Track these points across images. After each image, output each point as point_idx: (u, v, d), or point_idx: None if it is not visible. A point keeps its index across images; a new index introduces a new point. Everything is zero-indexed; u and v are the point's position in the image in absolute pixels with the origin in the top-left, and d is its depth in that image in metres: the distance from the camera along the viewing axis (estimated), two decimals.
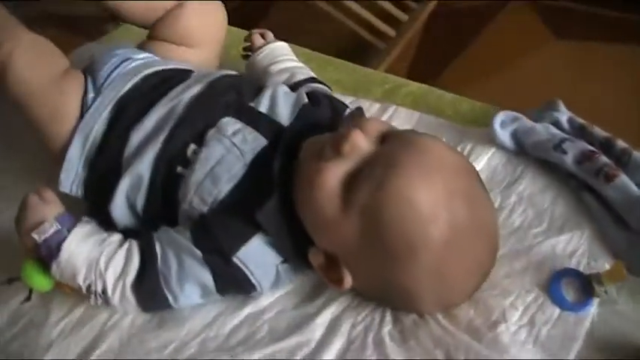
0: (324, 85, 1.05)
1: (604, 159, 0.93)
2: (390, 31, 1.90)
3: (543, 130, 0.99)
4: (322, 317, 0.85)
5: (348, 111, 0.94)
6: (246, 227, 0.81)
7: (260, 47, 1.10)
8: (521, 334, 0.80)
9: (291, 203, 0.82)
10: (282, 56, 1.09)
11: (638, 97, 1.79)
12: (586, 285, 0.83)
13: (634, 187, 0.89)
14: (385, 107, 1.10)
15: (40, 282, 0.84)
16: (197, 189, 0.83)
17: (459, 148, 1.02)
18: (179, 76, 0.98)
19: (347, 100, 1.09)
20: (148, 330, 0.86)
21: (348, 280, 0.80)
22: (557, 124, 1.01)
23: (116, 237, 0.85)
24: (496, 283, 0.85)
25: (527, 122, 1.00)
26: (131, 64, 1.01)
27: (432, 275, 0.77)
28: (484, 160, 1.00)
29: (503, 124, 1.01)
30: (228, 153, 0.85)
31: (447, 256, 0.76)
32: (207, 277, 0.82)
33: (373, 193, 0.75)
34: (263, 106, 0.91)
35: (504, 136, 1.00)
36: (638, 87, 1.82)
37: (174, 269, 0.82)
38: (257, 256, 0.82)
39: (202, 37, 1.08)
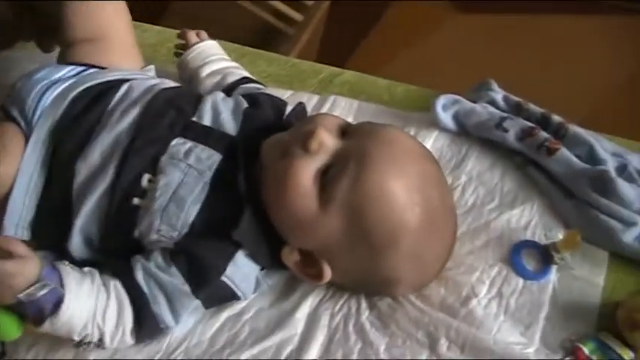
0: (258, 83, 1.05)
1: (544, 134, 0.99)
2: (297, 16, 1.91)
3: (483, 110, 1.04)
4: (300, 312, 0.87)
5: (289, 109, 0.95)
6: (227, 246, 0.81)
7: (192, 45, 1.09)
8: (492, 306, 0.85)
9: (262, 212, 0.83)
10: (212, 56, 1.07)
11: (544, 65, 1.89)
12: (544, 254, 0.89)
13: (575, 159, 0.96)
14: (324, 98, 1.12)
15: (11, 332, 0.79)
16: (162, 216, 0.82)
17: None
18: (109, 92, 0.93)
19: (285, 94, 1.10)
20: (129, 346, 0.85)
21: (328, 274, 0.83)
22: (493, 103, 1.06)
23: (98, 279, 0.82)
24: (460, 262, 0.90)
25: (467, 104, 1.05)
26: (58, 87, 0.94)
27: (410, 259, 0.81)
28: (430, 143, 1.04)
29: (445, 108, 1.05)
30: (187, 175, 0.84)
31: (423, 239, 0.80)
32: (198, 304, 0.83)
33: (351, 188, 0.78)
34: (206, 119, 0.90)
35: (447, 119, 1.04)
36: (542, 55, 1.92)
37: (164, 307, 0.81)
38: (242, 270, 0.83)
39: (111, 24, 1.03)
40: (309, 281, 0.86)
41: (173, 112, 0.90)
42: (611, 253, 0.90)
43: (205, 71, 1.05)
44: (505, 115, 1.03)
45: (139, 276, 0.81)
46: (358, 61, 1.86)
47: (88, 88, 0.94)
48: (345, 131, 0.85)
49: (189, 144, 0.87)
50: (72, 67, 0.98)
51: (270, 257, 0.84)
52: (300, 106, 0.96)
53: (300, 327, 0.86)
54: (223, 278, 0.82)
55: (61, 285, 0.77)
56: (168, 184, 0.83)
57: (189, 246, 0.82)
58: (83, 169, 0.87)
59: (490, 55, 1.85)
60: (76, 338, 0.79)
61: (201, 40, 1.09)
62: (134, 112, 0.89)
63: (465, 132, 1.05)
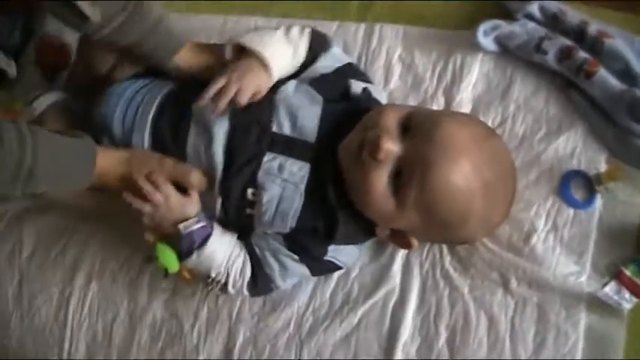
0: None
1: (582, 54, 1.07)
2: None
3: (522, 30, 1.11)
4: (396, 264, 1.08)
5: (355, 87, 1.05)
6: (325, 241, 1.01)
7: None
8: (549, 239, 1.04)
9: (353, 208, 1.00)
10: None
11: None
12: (590, 183, 1.05)
13: (612, 82, 1.05)
14: (371, 30, 1.19)
15: (172, 263, 1.01)
16: (271, 227, 1.00)
17: (450, 62, 1.15)
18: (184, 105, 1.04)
19: (331, 27, 1.18)
20: (266, 314, 1.11)
21: (416, 245, 1.02)
22: (530, 16, 1.12)
23: (234, 238, 1.04)
24: (519, 197, 1.06)
25: (506, 27, 1.11)
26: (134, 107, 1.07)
27: (481, 225, 0.99)
28: (476, 70, 1.13)
29: (486, 34, 1.12)
30: (285, 190, 0.99)
31: (489, 210, 0.97)
32: (305, 270, 1.04)
33: (420, 192, 0.93)
34: (286, 127, 1.01)
35: (489, 44, 1.12)
36: None
37: (276, 269, 1.03)
38: (345, 253, 1.03)
39: None
40: (400, 248, 1.06)
41: (256, 127, 1.01)
42: None
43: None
44: (543, 34, 1.10)
45: (253, 242, 1.04)
46: None
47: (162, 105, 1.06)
48: (407, 126, 0.96)
49: (279, 158, 1.00)
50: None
51: (366, 235, 1.04)
52: (365, 93, 1.05)
53: (397, 278, 1.08)
54: (327, 258, 1.03)
55: (210, 227, 1.01)
56: (271, 201, 1.00)
57: (295, 238, 1.01)
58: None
59: None
60: (212, 275, 1.02)
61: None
62: (221, 132, 1.01)
63: (508, 52, 1.13)
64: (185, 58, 1.06)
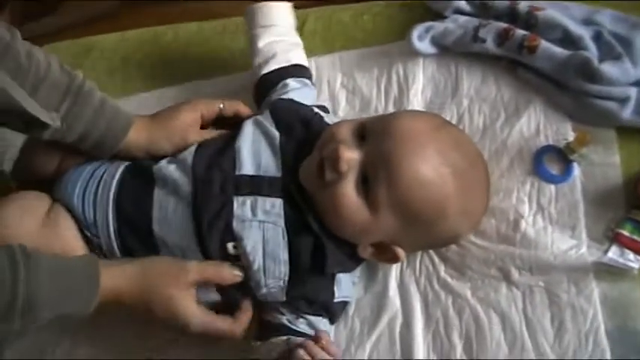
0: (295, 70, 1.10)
1: (519, 32, 1.06)
2: None
3: (455, 25, 1.10)
4: (391, 288, 1.02)
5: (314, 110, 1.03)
6: (326, 278, 0.96)
7: None
8: (539, 221, 1.00)
9: (337, 238, 0.95)
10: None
11: None
12: (563, 155, 1.02)
13: (556, 50, 1.04)
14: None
15: None
16: (265, 273, 0.95)
17: (393, 74, 1.13)
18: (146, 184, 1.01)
19: None
20: None
21: (402, 254, 0.97)
22: (459, 11, 1.12)
23: None
24: (497, 188, 1.03)
25: (439, 26, 1.11)
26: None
27: (461, 216, 0.95)
28: (421, 75, 1.12)
29: (420, 38, 1.11)
30: (265, 231, 0.95)
31: (465, 197, 0.94)
32: (326, 322, 0.99)
33: (389, 190, 0.90)
34: (248, 168, 0.98)
35: (426, 47, 1.11)
36: None
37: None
38: (344, 285, 0.98)
39: None
40: (389, 263, 1.01)
41: (218, 175, 0.98)
42: (615, 129, 1.02)
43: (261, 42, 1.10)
44: (477, 23, 1.09)
45: (285, 322, 0.97)
46: None
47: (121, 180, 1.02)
48: (362, 135, 0.94)
49: (249, 200, 0.96)
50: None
51: (354, 261, 0.99)
52: (317, 117, 1.03)
53: (397, 301, 1.02)
54: (336, 300, 0.98)
55: None
56: (255, 247, 0.95)
57: (300, 293, 0.96)
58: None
59: None
60: None
61: None
62: (185, 193, 0.98)
63: (447, 50, 1.11)
64: (136, 134, 1.03)
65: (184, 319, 0.93)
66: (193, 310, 0.94)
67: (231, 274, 0.95)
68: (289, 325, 0.96)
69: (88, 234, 1.01)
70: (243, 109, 1.08)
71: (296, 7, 1.14)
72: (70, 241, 1.01)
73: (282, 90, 1.07)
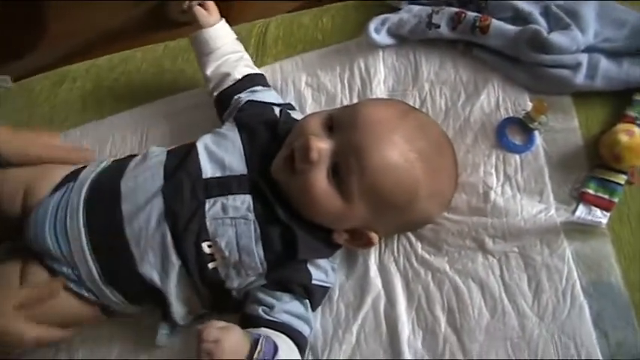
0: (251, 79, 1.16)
1: (471, 14, 1.11)
2: None
3: (409, 15, 1.15)
4: (372, 270, 1.04)
5: (277, 110, 1.07)
6: (301, 262, 0.98)
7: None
8: (507, 191, 1.03)
9: (307, 222, 0.98)
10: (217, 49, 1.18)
11: None
12: (524, 125, 1.05)
13: (507, 26, 1.09)
14: (272, 70, 1.21)
15: None
16: (242, 266, 0.97)
17: (355, 69, 1.17)
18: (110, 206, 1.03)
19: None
20: None
21: (375, 238, 1.00)
22: (413, 2, 1.16)
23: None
24: (464, 164, 1.06)
25: (394, 17, 1.15)
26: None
27: (432, 198, 0.98)
28: (381, 66, 1.16)
29: (377, 30, 1.15)
30: (238, 226, 0.97)
31: (434, 179, 0.97)
32: (307, 303, 1.00)
33: (360, 178, 0.93)
34: (212, 170, 1.01)
35: (384, 39, 1.15)
36: None
37: (302, 324, 0.99)
38: (321, 268, 1.01)
39: None
40: (364, 249, 1.03)
41: (187, 181, 1.00)
42: (572, 96, 1.06)
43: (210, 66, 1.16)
44: (430, 10, 1.13)
45: (261, 313, 0.97)
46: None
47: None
48: (330, 126, 0.97)
49: (219, 201, 0.99)
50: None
51: (330, 248, 1.02)
52: (284, 114, 1.06)
53: (378, 282, 1.04)
54: (314, 282, 1.00)
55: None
56: (229, 242, 0.97)
57: (277, 277, 0.98)
58: (148, 272, 1.00)
59: None
60: None
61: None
62: (157, 204, 1.00)
63: (405, 40, 1.16)
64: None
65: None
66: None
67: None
68: (265, 315, 0.97)
69: (65, 270, 1.02)
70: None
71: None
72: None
73: (236, 104, 1.12)
